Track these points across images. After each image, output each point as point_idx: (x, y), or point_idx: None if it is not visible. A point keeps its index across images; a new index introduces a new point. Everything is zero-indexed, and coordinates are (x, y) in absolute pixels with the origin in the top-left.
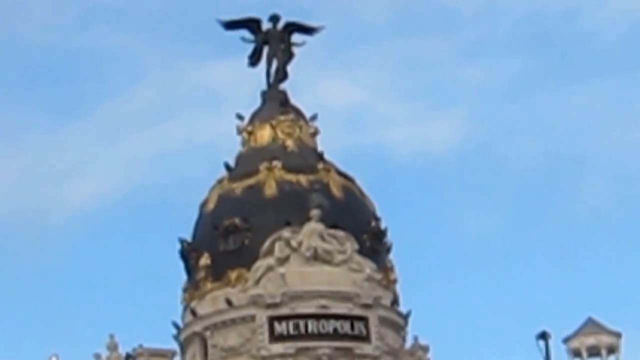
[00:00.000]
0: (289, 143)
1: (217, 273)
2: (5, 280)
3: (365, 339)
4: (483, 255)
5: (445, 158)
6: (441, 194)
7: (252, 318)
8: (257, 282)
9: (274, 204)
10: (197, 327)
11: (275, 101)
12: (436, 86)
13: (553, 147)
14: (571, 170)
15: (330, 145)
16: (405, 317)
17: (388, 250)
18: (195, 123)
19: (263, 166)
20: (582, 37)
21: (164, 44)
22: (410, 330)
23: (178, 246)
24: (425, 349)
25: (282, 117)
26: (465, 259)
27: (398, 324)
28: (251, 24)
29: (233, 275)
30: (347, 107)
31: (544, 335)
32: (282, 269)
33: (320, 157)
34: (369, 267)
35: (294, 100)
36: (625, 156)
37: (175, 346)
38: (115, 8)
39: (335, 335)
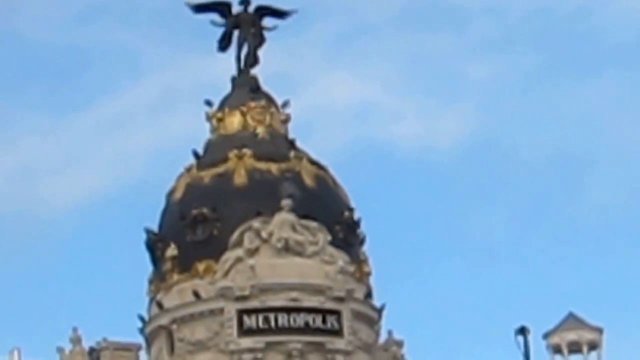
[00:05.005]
0: (260, 130)
1: (185, 264)
2: None
3: (338, 333)
4: (468, 250)
5: (451, 153)
6: (441, 189)
7: (221, 311)
8: (226, 274)
9: (244, 193)
10: (164, 320)
11: (245, 87)
12: (443, 82)
13: (561, 144)
14: (578, 167)
15: (335, 139)
16: (379, 311)
17: (362, 241)
18: (194, 118)
19: (233, 154)
20: (591, 33)
21: (162, 39)
22: (384, 325)
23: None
24: (400, 344)
25: (252, 104)
26: (448, 254)
27: (372, 318)
28: (221, 7)
29: (201, 266)
30: (353, 102)
31: (523, 331)
32: (251, 261)
33: (292, 144)
34: (341, 259)
35: (301, 96)
36: (634, 154)
37: (140, 340)
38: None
39: (307, 329)
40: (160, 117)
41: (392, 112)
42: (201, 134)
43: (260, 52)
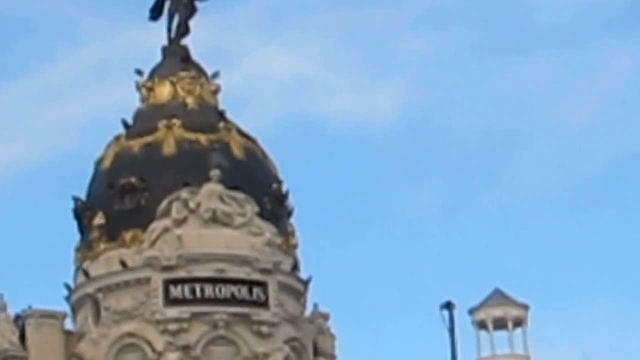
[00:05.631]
0: (190, 101)
1: (112, 233)
2: None
3: (264, 305)
4: (396, 224)
5: (384, 129)
6: (372, 163)
7: (147, 280)
8: (153, 243)
9: (173, 163)
10: (90, 289)
11: (176, 57)
12: (378, 57)
13: (493, 121)
14: (509, 145)
15: (269, 112)
16: (306, 284)
17: (289, 214)
18: (128, 87)
19: (162, 124)
20: (526, 12)
21: (98, 8)
22: (310, 297)
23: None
24: (326, 316)
25: (182, 74)
26: (376, 228)
27: (298, 290)
28: None
29: (128, 236)
30: (288, 75)
31: (448, 306)
32: (179, 231)
33: (221, 116)
34: (269, 230)
35: (236, 68)
36: (565, 133)
37: (66, 308)
38: None
39: (233, 300)
40: (94, 86)
41: (327, 87)
42: (135, 104)
43: (193, 23)
